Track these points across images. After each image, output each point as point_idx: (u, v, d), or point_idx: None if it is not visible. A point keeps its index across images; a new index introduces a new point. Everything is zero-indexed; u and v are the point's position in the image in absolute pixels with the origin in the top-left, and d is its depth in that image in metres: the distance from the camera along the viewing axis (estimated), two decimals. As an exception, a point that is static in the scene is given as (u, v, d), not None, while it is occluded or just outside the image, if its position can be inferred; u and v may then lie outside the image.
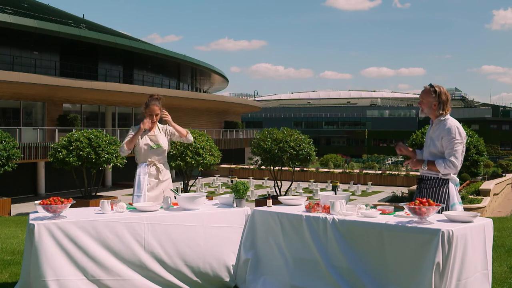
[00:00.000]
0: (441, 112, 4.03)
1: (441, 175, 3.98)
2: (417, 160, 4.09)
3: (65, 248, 3.80)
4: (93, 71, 34.19)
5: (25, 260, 3.84)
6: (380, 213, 3.90)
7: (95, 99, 30.44)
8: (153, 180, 4.99)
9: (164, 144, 5.11)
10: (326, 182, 30.96)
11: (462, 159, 3.98)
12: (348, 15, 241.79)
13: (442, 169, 3.93)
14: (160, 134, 5.12)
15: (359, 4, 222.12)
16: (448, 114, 4.06)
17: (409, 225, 3.50)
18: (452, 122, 3.99)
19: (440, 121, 4.04)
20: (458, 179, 4.10)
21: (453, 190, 4.00)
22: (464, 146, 4.03)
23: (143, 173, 4.97)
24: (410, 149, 4.27)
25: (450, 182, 4.00)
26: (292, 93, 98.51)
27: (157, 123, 5.15)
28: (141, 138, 5.01)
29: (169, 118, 5.09)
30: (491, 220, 3.72)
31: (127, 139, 5.04)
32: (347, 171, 33.59)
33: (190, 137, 5.23)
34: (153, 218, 4.12)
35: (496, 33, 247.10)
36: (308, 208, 4.17)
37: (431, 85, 4.06)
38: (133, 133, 5.00)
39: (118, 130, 28.48)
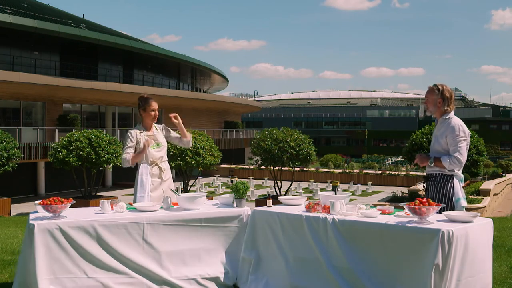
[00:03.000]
0: (445, 108, 4.18)
1: (446, 171, 4.11)
2: (423, 157, 4.24)
3: (65, 248, 3.80)
4: (93, 71, 34.19)
5: (21, 260, 3.83)
6: (380, 213, 3.91)
7: (95, 99, 30.44)
8: (156, 180, 4.99)
9: (164, 142, 5.13)
10: (326, 182, 30.94)
11: (466, 155, 4.13)
12: (348, 15, 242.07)
13: (447, 164, 4.07)
14: (158, 133, 5.13)
15: (358, 4, 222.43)
16: (452, 113, 4.23)
17: (409, 225, 3.50)
18: (455, 121, 4.16)
19: (444, 120, 4.20)
20: (462, 175, 4.24)
21: (458, 185, 4.13)
22: (468, 143, 4.17)
23: (145, 173, 4.96)
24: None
25: (454, 178, 4.13)
26: (292, 93, 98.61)
27: (154, 123, 5.14)
28: (141, 138, 5.01)
29: (179, 120, 5.13)
30: (491, 220, 3.72)
31: (128, 151, 4.93)
32: (347, 171, 33.58)
33: (190, 143, 5.30)
34: (153, 218, 4.13)
35: (495, 33, 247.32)
36: (308, 208, 4.17)
37: (434, 84, 4.26)
38: (132, 142, 4.95)
39: (118, 130, 28.48)
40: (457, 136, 4.07)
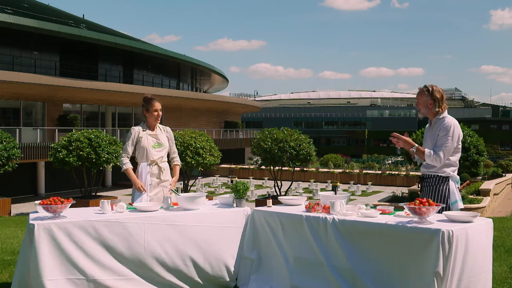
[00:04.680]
0: (437, 109, 4.12)
1: (440, 172, 4.05)
2: (407, 141, 4.13)
3: (65, 248, 3.80)
4: (93, 71, 34.18)
5: (21, 259, 3.83)
6: (380, 213, 3.91)
7: (95, 99, 30.43)
8: (155, 179, 5.00)
9: (166, 143, 5.12)
10: (326, 182, 30.93)
11: (448, 157, 4.03)
12: (347, 15, 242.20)
13: (427, 158, 4.03)
14: (161, 134, 5.13)
15: (358, 4, 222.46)
16: (446, 112, 4.15)
17: (409, 225, 3.50)
18: (450, 120, 4.08)
19: (438, 120, 4.13)
20: (458, 177, 4.18)
21: (454, 187, 4.07)
22: (456, 144, 4.07)
23: (145, 173, 4.98)
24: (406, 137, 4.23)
25: (450, 180, 4.07)
26: (292, 93, 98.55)
27: (158, 124, 5.16)
28: (143, 137, 5.02)
29: (175, 181, 5.14)
30: (491, 220, 3.72)
31: (126, 159, 5.01)
32: (347, 171, 33.56)
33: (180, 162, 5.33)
34: (153, 218, 4.13)
35: (495, 33, 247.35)
36: (308, 208, 4.17)
37: (424, 86, 4.19)
38: (131, 146, 5.01)
39: (118, 130, 28.48)
40: (447, 135, 4.00)
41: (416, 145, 4.10)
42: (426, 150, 4.04)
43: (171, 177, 5.16)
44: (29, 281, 3.73)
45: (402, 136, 4.19)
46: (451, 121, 4.06)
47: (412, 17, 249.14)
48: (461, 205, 4.06)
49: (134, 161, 5.12)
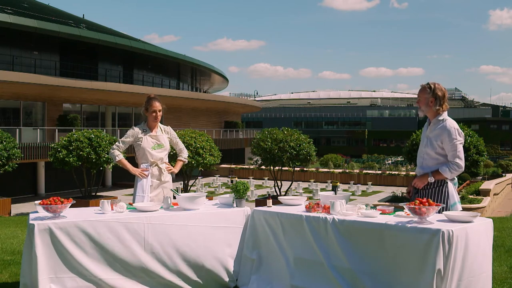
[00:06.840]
0: (437, 108, 4.02)
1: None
2: (420, 177, 4.06)
3: (65, 248, 3.80)
4: (93, 71, 34.18)
5: (24, 260, 3.84)
6: (380, 213, 3.90)
7: (95, 99, 30.43)
8: (155, 181, 4.99)
9: (166, 144, 5.11)
10: (326, 182, 30.94)
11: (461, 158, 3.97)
12: (346, 15, 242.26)
13: (449, 174, 3.95)
14: (162, 134, 5.12)
15: (357, 4, 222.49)
16: (446, 113, 4.07)
17: (409, 225, 3.50)
18: (451, 124, 4.00)
19: (438, 121, 4.04)
20: (456, 178, 4.11)
21: (452, 189, 4.02)
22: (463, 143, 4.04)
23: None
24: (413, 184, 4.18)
25: (448, 182, 4.01)
26: (292, 93, 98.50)
27: (159, 123, 5.16)
28: (143, 138, 5.01)
29: (173, 169, 5.12)
30: (491, 220, 3.72)
31: (118, 150, 5.05)
32: (347, 171, 33.56)
33: (186, 160, 5.37)
34: (153, 218, 4.13)
35: (494, 33, 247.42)
36: (308, 208, 4.17)
37: (427, 83, 4.10)
38: (128, 139, 5.03)
39: (118, 130, 28.47)
40: (455, 139, 3.93)
41: (430, 172, 4.00)
42: (441, 169, 3.95)
43: (171, 178, 5.15)
44: (31, 280, 3.73)
45: (414, 181, 4.10)
46: (452, 124, 3.98)
47: (411, 17, 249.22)
48: (459, 207, 4.01)
49: (134, 162, 5.12)
